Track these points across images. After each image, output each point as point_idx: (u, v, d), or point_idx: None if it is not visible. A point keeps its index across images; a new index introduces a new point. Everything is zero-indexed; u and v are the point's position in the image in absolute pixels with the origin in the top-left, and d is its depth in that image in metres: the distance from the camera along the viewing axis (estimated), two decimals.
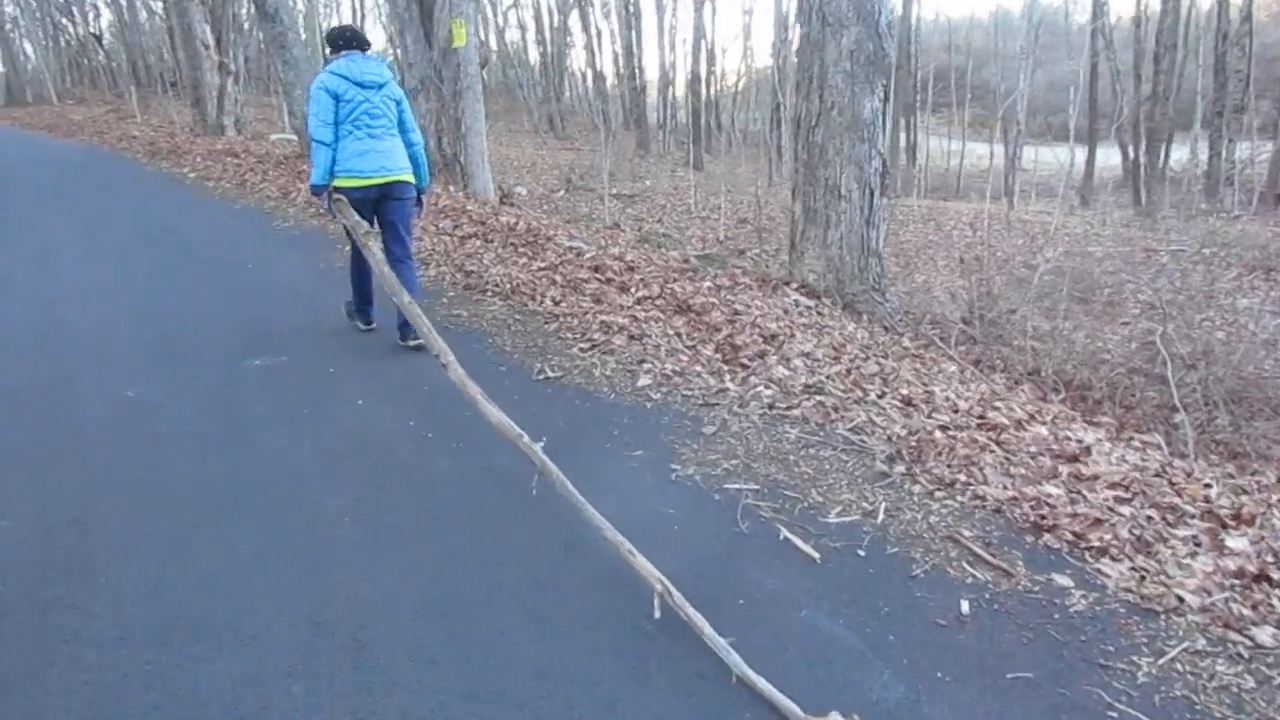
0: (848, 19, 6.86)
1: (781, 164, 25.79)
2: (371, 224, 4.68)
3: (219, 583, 2.67)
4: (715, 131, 29.89)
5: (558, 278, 6.30)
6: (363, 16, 29.71)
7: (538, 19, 32.56)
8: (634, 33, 27.97)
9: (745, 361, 4.66)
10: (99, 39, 35.32)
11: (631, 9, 27.68)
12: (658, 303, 5.99)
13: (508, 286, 6.01)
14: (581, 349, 4.83)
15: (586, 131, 31.09)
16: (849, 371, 4.78)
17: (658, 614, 2.43)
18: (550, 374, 4.45)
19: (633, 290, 6.31)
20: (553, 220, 11.01)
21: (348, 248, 5.14)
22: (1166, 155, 20.30)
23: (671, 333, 5.15)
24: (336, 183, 4.55)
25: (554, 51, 31.30)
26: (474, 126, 10.75)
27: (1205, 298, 10.24)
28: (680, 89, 32.16)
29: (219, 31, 18.41)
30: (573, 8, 31.52)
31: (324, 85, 4.47)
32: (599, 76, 29.91)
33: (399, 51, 13.00)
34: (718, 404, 4.06)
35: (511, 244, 7.65)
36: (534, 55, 33.40)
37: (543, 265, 6.78)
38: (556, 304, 5.67)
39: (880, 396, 4.38)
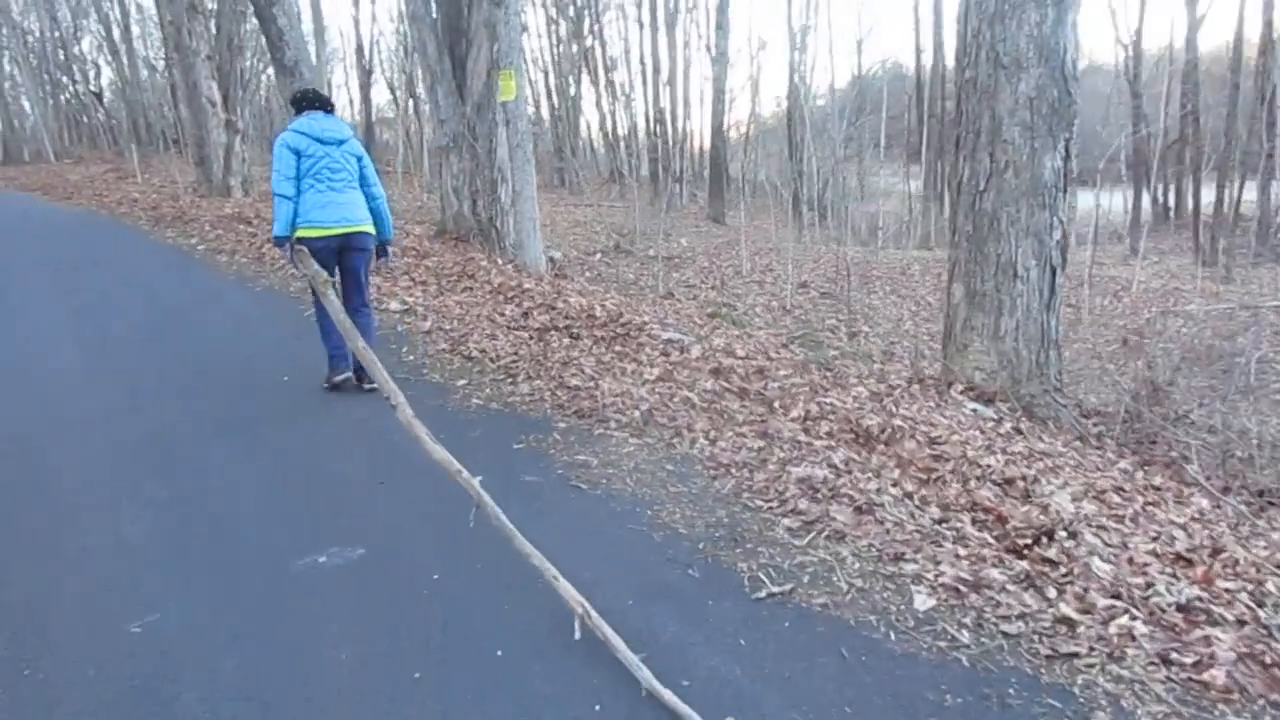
0: (1028, 60, 5.46)
1: (799, 217, 24.47)
2: (333, 274, 4.64)
3: None
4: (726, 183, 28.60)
5: (692, 395, 4.77)
6: (369, 72, 28.44)
7: (546, 73, 31.42)
8: (651, 86, 26.83)
9: (1043, 553, 3.11)
10: (99, 97, 34.04)
11: (653, 61, 26.55)
12: (825, 426, 4.49)
13: (634, 413, 4.47)
14: (792, 530, 3.27)
15: (597, 186, 29.81)
16: (1161, 549, 3.28)
17: (578, 634, 2.50)
18: (772, 585, 2.89)
19: (780, 407, 4.81)
20: (612, 293, 9.54)
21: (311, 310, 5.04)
22: (1238, 200, 18.97)
23: (896, 491, 3.61)
24: (299, 233, 4.61)
25: (567, 104, 30.07)
26: (524, 191, 9.30)
27: None
28: (697, 140, 31.04)
29: (226, 88, 17.05)
30: (580, 60, 30.40)
31: (286, 142, 4.63)
32: (613, 131, 28.74)
33: (429, 106, 11.61)
34: (1077, 654, 2.50)
35: (599, 338, 6.14)
36: (544, 108, 32.15)
37: (656, 373, 5.26)
38: (713, 441, 4.14)
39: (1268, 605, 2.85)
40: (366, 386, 4.86)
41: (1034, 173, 5.52)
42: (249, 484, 3.78)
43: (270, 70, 27.06)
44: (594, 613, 2.50)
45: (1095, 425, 6.62)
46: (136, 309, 7.09)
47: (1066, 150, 5.62)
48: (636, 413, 4.46)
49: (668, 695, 2.24)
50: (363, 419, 4.52)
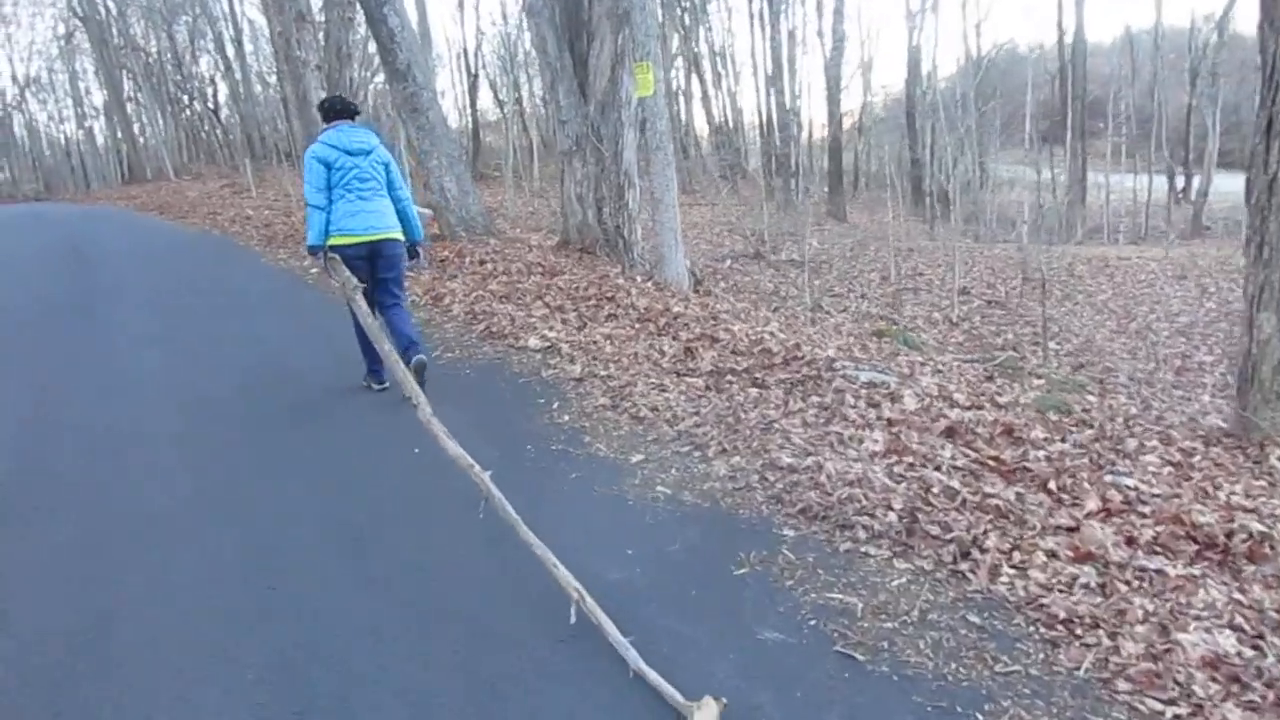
0: None
1: (927, 210, 22.70)
2: (365, 279, 4.72)
3: None
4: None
5: (949, 480, 3.50)
6: (475, 76, 27.84)
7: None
8: (762, 77, 25.43)
9: None
10: (215, 113, 34.53)
11: (766, 50, 25.12)
12: (1146, 529, 3.19)
13: (887, 514, 3.23)
14: None
15: (707, 184, 28.53)
16: None
17: (573, 619, 2.57)
18: None
19: (1062, 491, 3.53)
20: (763, 311, 8.32)
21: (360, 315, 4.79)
22: None
23: None
24: (331, 242, 4.71)
25: (674, 101, 28.90)
26: (665, 198, 8.15)
27: None
28: (804, 132, 29.45)
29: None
30: (688, 55, 29.21)
31: (316, 155, 4.71)
32: (724, 127, 27.39)
33: (549, 107, 10.61)
34: None
35: (787, 384, 4.94)
36: None
37: (881, 440, 4.02)
38: (1020, 568, 2.88)
39: None
40: (375, 387, 5.12)
41: None
42: (399, 649, 2.70)
43: (378, 79, 26.73)
44: (589, 598, 2.59)
45: None
46: (243, 355, 6.16)
47: None
48: (890, 514, 3.23)
49: (652, 675, 2.34)
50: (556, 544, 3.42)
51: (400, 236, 4.96)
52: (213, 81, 34.89)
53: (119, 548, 3.36)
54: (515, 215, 17.18)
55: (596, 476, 3.76)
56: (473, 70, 27.82)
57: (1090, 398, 6.78)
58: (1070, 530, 3.15)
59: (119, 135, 31.64)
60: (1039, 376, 7.20)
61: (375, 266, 4.87)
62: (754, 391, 4.71)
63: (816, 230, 20.10)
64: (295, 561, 3.20)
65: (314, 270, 9.15)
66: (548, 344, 5.77)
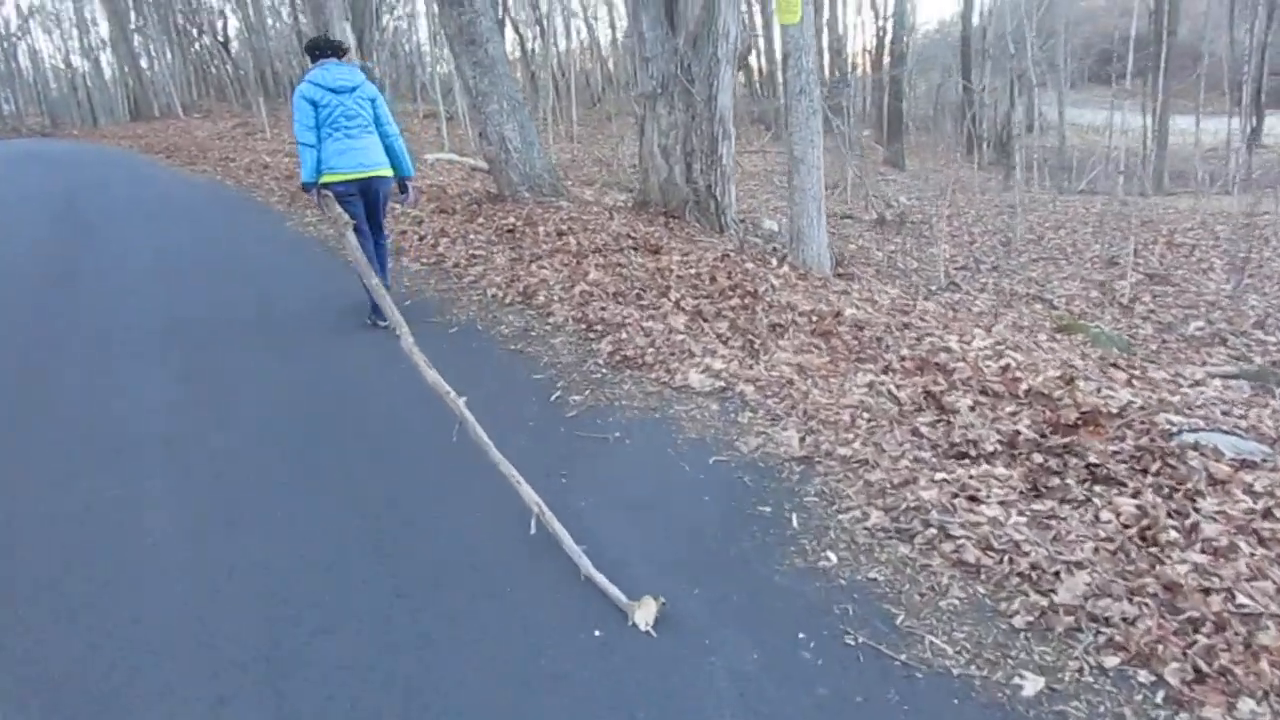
0: None
1: (979, 155, 20.48)
2: (357, 214, 4.71)
3: None
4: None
5: None
6: (506, 7, 25.31)
7: None
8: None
9: None
10: (225, 46, 31.99)
11: None
12: None
13: None
14: None
15: (748, 130, 26.17)
16: None
17: (534, 530, 2.61)
18: None
19: None
20: (920, 300, 6.40)
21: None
22: None
23: None
24: (323, 179, 4.72)
25: None
26: (807, 156, 6.13)
27: None
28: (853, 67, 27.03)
29: (360, 29, 14.28)
30: None
31: (303, 94, 4.69)
32: (758, 66, 24.90)
33: (633, 40, 8.54)
34: None
35: (1134, 468, 3.05)
36: None
37: None
38: None
39: None
40: (380, 324, 4.81)
41: None
42: None
43: (397, 9, 24.25)
44: (547, 510, 2.65)
45: None
46: (272, 381, 4.31)
47: None
48: None
49: (600, 578, 2.45)
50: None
51: (389, 173, 4.95)
52: (222, 14, 32.30)
53: None
54: (559, 163, 15.11)
55: None
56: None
57: None
58: None
59: (125, 69, 29.25)
60: None
61: (365, 202, 4.86)
62: (1122, 502, 2.80)
63: (880, 180, 17.98)
64: None
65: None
66: (720, 384, 3.85)
